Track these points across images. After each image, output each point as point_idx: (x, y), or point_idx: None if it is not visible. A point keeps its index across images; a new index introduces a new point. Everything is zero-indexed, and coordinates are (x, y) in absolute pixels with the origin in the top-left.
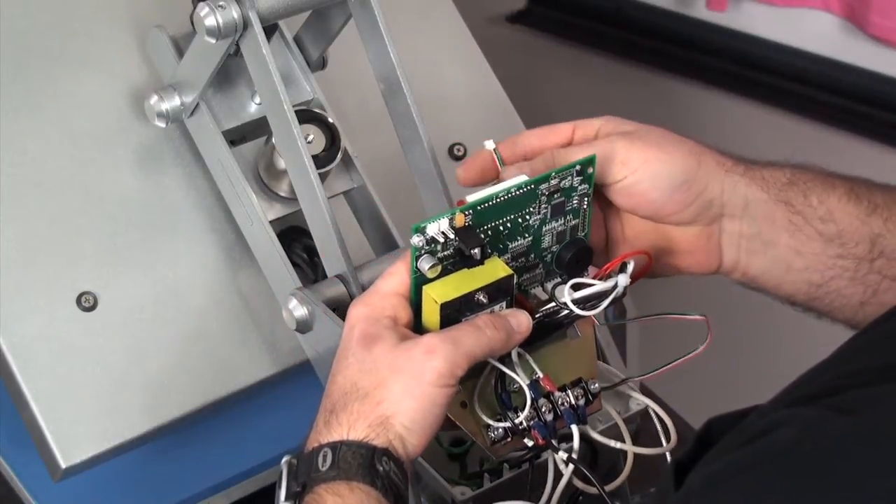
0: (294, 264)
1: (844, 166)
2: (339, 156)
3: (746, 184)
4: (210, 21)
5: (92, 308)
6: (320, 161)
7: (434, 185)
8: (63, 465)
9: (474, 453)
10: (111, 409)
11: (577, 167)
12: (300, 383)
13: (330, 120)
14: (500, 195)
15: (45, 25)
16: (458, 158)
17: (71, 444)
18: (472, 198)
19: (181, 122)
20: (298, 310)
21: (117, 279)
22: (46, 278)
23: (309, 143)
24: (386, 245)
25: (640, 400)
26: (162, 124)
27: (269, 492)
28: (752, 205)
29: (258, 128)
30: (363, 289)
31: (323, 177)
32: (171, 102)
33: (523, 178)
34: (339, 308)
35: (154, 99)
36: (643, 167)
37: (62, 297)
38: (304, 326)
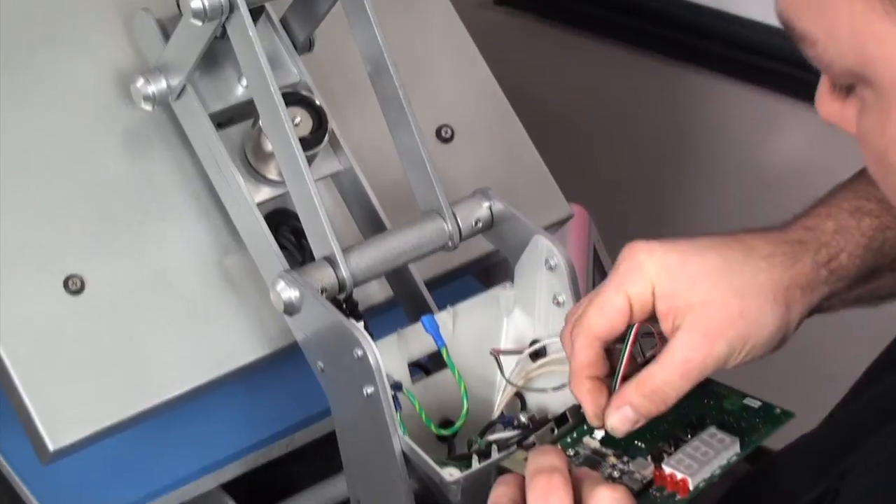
0: (281, 247)
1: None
2: (327, 138)
3: (824, 281)
4: (196, 3)
5: (79, 291)
6: (307, 143)
7: (421, 167)
8: (52, 447)
9: (463, 435)
10: (99, 392)
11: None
12: (289, 365)
13: (317, 102)
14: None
15: (29, 9)
16: (445, 140)
17: (59, 427)
18: None
19: (168, 105)
20: (286, 292)
21: (105, 262)
22: (33, 262)
23: (296, 125)
24: (373, 227)
25: None
26: (148, 107)
27: (259, 473)
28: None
29: (245, 110)
30: (351, 272)
31: (310, 159)
32: (158, 85)
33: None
34: (327, 290)
35: (140, 82)
36: (746, 350)
37: (49, 280)
38: (291, 309)
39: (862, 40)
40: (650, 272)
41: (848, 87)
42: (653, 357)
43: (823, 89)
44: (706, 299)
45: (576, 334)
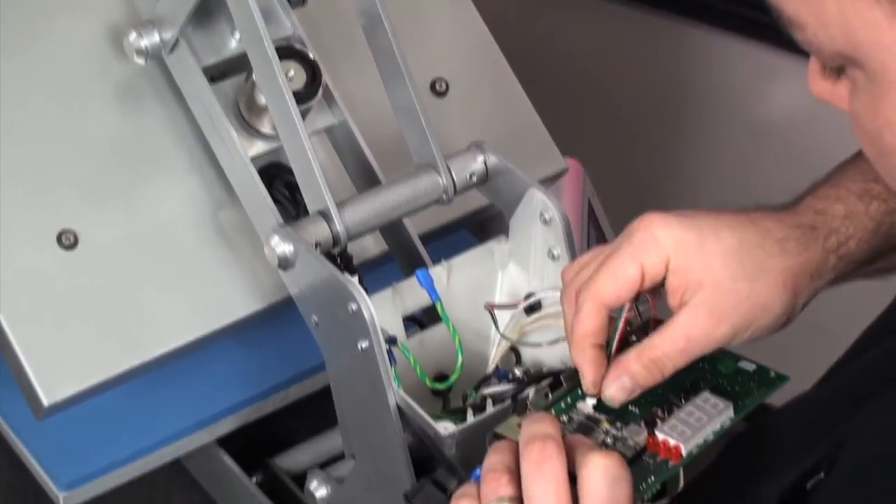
0: (275, 201)
1: None
2: (320, 92)
3: (832, 268)
4: None
5: (73, 246)
6: (301, 97)
7: (416, 121)
8: (46, 403)
9: (458, 389)
10: (94, 347)
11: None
12: (284, 320)
13: (311, 56)
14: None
15: None
16: (439, 94)
17: (53, 382)
18: None
19: (161, 59)
20: (280, 247)
21: (98, 217)
22: (26, 217)
23: (289, 79)
24: (368, 181)
25: None
26: (141, 62)
27: (252, 428)
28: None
29: (238, 64)
30: (345, 226)
31: (304, 113)
32: (151, 39)
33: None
34: (321, 245)
35: (133, 36)
36: (750, 332)
37: (42, 235)
38: (286, 263)
39: (851, 25)
40: (667, 246)
41: (839, 69)
42: (647, 324)
43: (814, 69)
44: (717, 279)
45: (583, 299)
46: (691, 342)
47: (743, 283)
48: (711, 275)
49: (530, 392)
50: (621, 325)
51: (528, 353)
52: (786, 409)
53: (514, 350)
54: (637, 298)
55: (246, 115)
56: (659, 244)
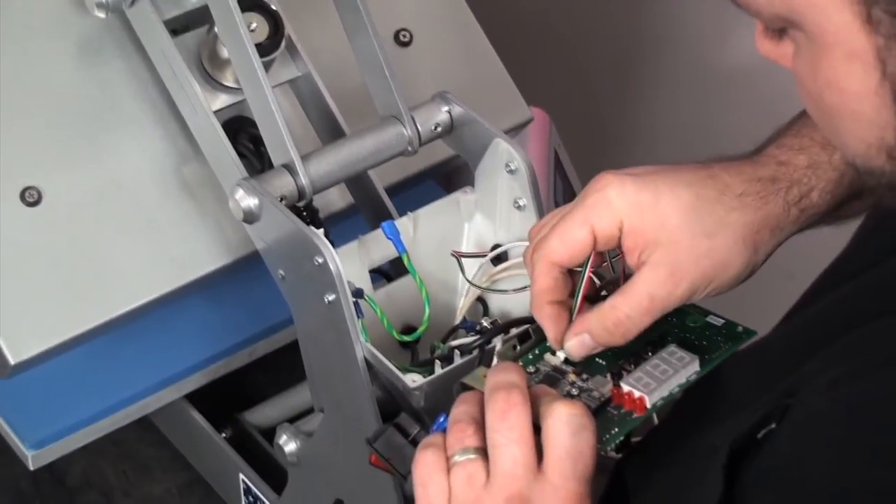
0: (240, 154)
1: None
2: (283, 44)
3: (793, 221)
4: None
5: (36, 203)
6: (264, 49)
7: (379, 72)
8: (12, 361)
9: (426, 341)
10: (60, 304)
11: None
12: (250, 275)
13: (273, 7)
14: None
15: None
16: (403, 44)
17: (19, 341)
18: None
19: (122, 12)
20: (245, 200)
21: (61, 173)
22: None
23: (252, 31)
24: (332, 133)
25: None
26: (102, 15)
27: (221, 384)
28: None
29: (200, 16)
30: (310, 179)
31: (267, 65)
32: None
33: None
34: (287, 198)
35: None
36: (710, 289)
37: (5, 192)
38: (251, 217)
39: None
40: (619, 208)
41: (781, 30)
42: (616, 281)
43: (760, 28)
44: (675, 238)
45: (535, 259)
46: (655, 301)
47: (701, 239)
48: (669, 233)
49: (497, 343)
50: (584, 282)
51: (495, 304)
52: (741, 355)
53: (481, 301)
54: (602, 256)
55: (209, 68)
56: (611, 206)
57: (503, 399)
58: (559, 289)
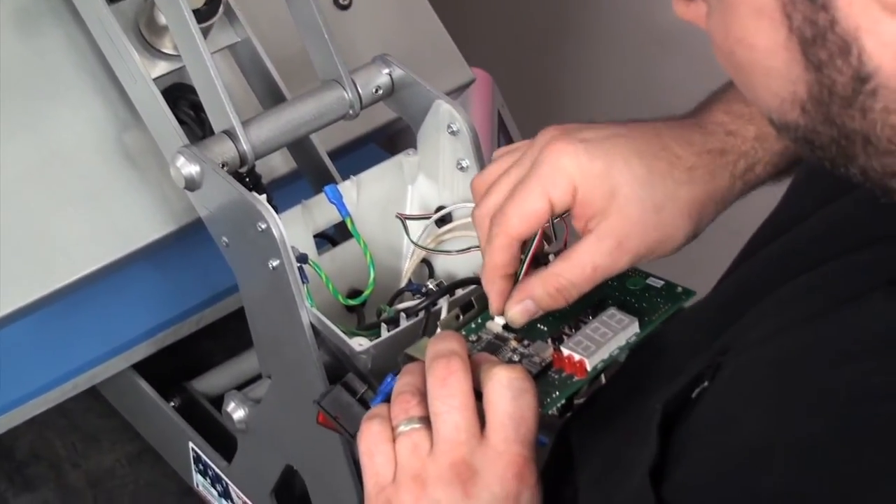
0: (180, 121)
1: None
2: (221, 9)
3: (737, 193)
4: None
5: None
6: (202, 15)
7: (319, 36)
8: None
9: (372, 305)
10: (3, 276)
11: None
12: (195, 242)
13: None
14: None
15: None
16: (343, 7)
17: None
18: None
19: None
20: (186, 167)
21: (1, 145)
22: None
23: None
24: (273, 98)
25: None
26: None
27: (167, 353)
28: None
29: None
30: (251, 145)
31: (205, 31)
32: None
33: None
34: (228, 164)
35: None
36: (651, 258)
37: None
38: (193, 184)
39: None
40: (573, 176)
41: None
42: (564, 246)
43: None
44: (625, 210)
45: (494, 234)
46: (598, 271)
47: (650, 213)
48: (619, 204)
49: (443, 307)
50: (532, 251)
51: (440, 266)
52: (684, 316)
53: (426, 263)
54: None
55: (147, 35)
56: (566, 175)
57: (443, 367)
58: (514, 262)
